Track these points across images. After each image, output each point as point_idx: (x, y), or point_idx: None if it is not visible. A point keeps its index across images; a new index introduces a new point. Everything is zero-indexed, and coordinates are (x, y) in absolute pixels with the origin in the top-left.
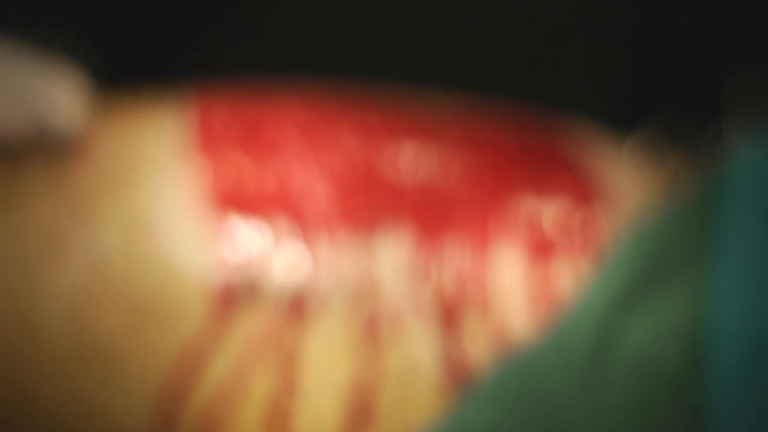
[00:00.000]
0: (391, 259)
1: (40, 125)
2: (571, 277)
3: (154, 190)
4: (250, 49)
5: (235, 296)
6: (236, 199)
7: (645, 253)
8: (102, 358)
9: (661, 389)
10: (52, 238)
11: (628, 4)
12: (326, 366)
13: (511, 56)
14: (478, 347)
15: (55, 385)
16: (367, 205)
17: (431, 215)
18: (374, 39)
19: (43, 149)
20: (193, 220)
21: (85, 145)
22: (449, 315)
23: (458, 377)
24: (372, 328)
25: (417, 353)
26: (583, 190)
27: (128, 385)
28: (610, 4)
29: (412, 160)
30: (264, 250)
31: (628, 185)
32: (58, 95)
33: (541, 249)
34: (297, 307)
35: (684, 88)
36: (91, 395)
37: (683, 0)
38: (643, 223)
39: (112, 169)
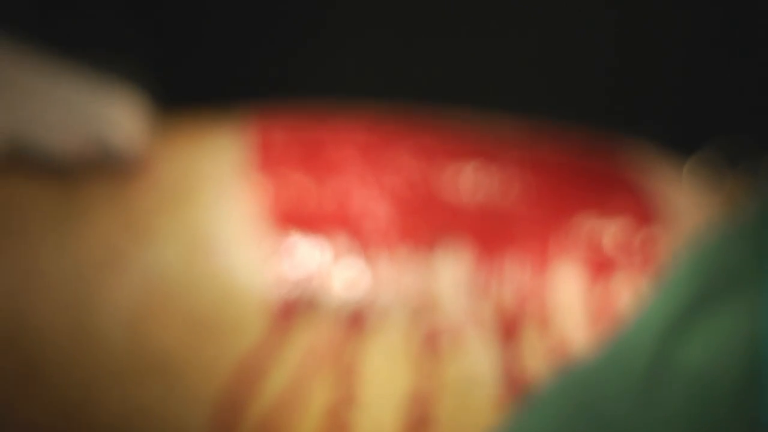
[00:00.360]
0: (451, 276)
1: (100, 144)
2: (630, 295)
3: (212, 208)
4: (305, 69)
5: (294, 310)
6: (296, 217)
7: (703, 272)
8: (160, 371)
9: (719, 401)
10: (110, 254)
11: (687, 32)
12: (385, 378)
13: (571, 81)
14: (537, 361)
15: (113, 397)
16: (427, 224)
17: (491, 233)
18: (433, 61)
19: (103, 168)
20: (252, 237)
21: (144, 164)
22: (509, 329)
23: (517, 389)
24: (431, 342)
25: (476, 366)
26: (643, 211)
27: (186, 397)
28: (669, 32)
29: (471, 181)
30: (323, 266)
31: (688, 206)
32: (118, 115)
33: (601, 266)
34: (356, 320)
35: (744, 112)
36: (149, 407)
37: (743, 27)
38: (702, 243)
39: (170, 187)
